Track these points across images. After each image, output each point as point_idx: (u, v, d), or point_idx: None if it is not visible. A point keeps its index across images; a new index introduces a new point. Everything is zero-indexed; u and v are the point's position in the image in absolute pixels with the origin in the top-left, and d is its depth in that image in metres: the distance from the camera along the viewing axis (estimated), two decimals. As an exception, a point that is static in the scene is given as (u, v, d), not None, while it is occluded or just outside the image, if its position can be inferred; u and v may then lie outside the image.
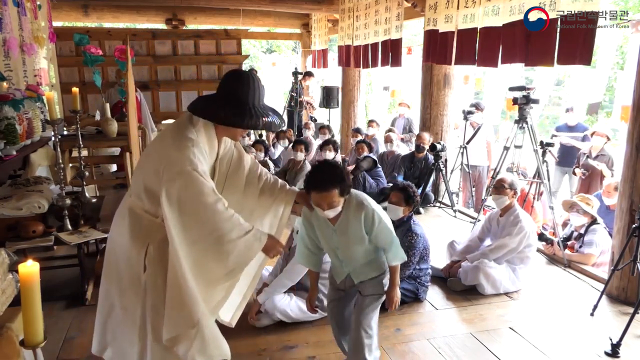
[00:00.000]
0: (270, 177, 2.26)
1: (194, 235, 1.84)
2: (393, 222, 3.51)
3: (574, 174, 5.95)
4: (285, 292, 3.14)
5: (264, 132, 8.74)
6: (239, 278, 2.11)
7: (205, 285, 1.92)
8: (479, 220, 4.89)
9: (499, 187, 3.81)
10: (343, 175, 2.06)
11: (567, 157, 6.21)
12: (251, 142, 7.15)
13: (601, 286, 3.54)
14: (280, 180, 2.28)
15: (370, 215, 2.16)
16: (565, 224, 4.74)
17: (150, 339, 1.95)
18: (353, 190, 2.20)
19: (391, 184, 5.31)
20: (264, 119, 1.89)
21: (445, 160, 5.93)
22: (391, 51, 6.37)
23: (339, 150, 6.36)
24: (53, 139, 3.88)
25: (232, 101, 1.86)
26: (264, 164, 5.43)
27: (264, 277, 3.36)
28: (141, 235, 1.93)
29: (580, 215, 4.19)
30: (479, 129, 6.22)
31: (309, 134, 7.78)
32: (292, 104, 9.39)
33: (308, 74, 9.84)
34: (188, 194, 1.79)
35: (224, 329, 3.06)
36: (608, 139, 5.63)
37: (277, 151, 7.64)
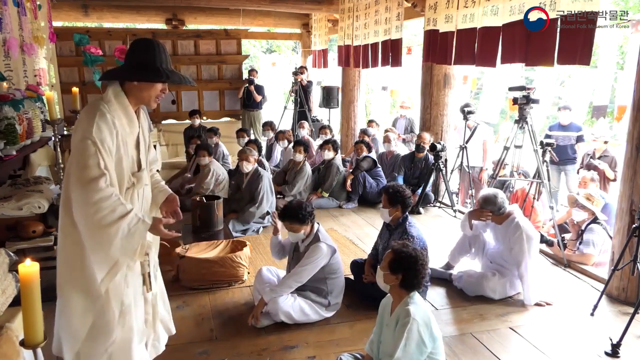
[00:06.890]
0: (157, 175, 2.32)
1: (80, 212, 1.82)
2: (389, 225, 3.44)
3: (578, 173, 5.96)
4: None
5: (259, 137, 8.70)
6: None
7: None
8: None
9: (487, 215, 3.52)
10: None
11: (561, 156, 6.20)
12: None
13: (601, 286, 3.54)
14: (162, 183, 2.31)
15: (407, 326, 2.14)
16: (563, 229, 4.72)
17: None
18: (416, 301, 2.24)
19: (391, 184, 5.31)
20: (169, 73, 1.96)
21: (445, 160, 5.93)
22: (391, 51, 6.37)
23: (338, 150, 6.36)
24: (53, 139, 3.89)
25: (139, 64, 1.94)
26: (260, 163, 5.42)
27: (265, 279, 3.35)
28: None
29: (580, 210, 4.19)
30: (475, 129, 6.22)
31: (304, 133, 7.74)
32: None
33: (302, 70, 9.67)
34: (76, 164, 1.81)
35: (223, 328, 3.09)
36: (605, 142, 5.66)
37: (276, 152, 7.62)
